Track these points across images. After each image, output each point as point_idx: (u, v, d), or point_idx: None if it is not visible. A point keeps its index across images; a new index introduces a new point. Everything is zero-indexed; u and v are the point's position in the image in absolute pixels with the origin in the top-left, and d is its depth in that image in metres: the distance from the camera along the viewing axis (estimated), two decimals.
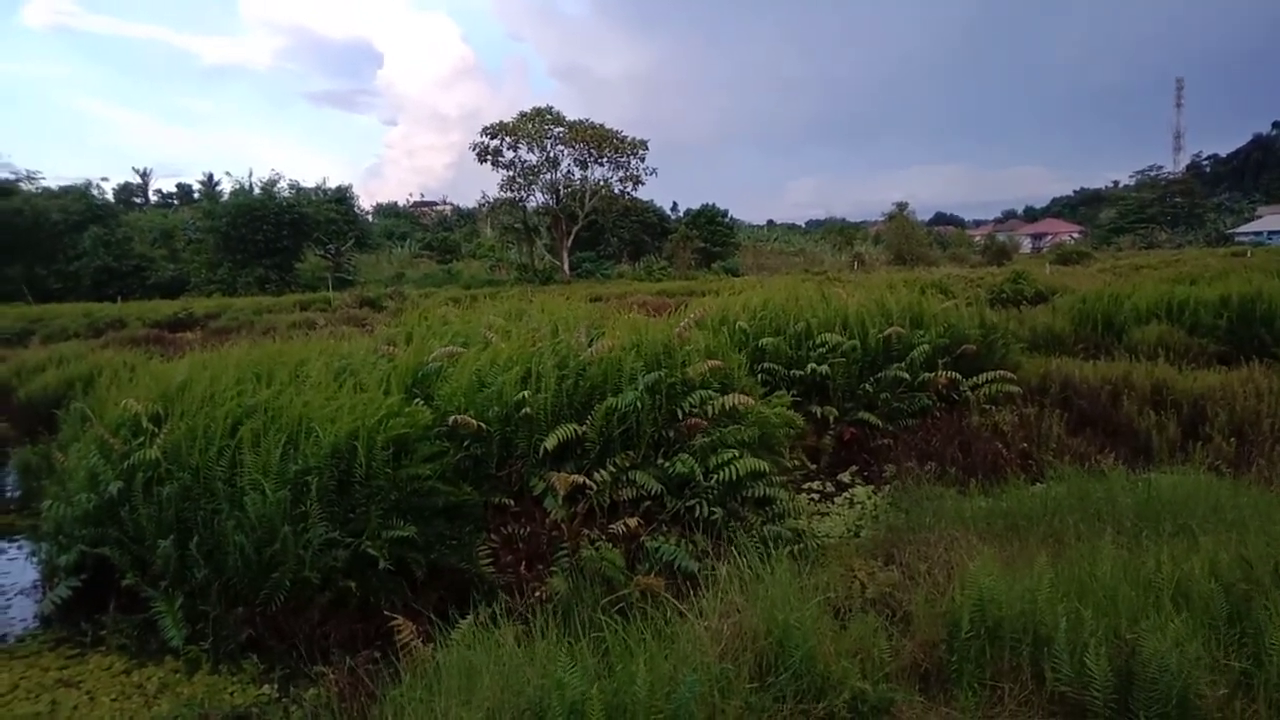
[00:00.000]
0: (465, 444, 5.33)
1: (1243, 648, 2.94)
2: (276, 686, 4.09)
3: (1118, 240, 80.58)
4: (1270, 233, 79.10)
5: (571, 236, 51.10)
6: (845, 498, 6.96)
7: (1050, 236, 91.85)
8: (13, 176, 48.87)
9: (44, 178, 51.58)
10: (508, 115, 50.32)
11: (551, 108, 49.72)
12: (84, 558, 4.82)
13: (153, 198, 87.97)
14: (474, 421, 5.16)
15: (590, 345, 5.98)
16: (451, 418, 5.19)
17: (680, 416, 5.55)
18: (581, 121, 49.95)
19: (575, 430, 5.28)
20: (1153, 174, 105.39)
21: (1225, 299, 12.05)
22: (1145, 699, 2.73)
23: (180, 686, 4.09)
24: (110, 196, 60.50)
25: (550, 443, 5.13)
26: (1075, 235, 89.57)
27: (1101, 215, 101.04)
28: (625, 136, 50.87)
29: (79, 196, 48.68)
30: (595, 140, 49.81)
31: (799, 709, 2.99)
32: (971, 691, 3.08)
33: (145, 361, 8.74)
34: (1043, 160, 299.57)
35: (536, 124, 49.27)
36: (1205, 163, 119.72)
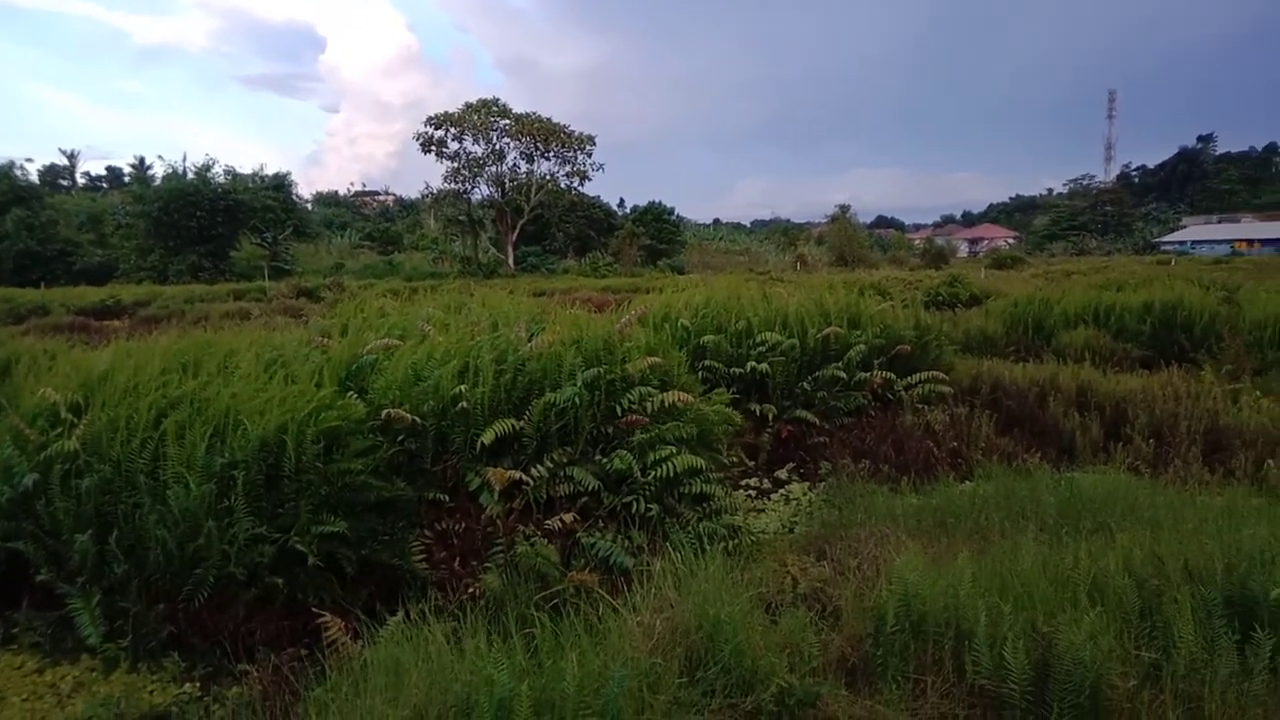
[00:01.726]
0: (399, 438, 5.25)
1: (1153, 641, 3.05)
2: (199, 685, 3.97)
3: (1050, 246, 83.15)
4: (1194, 242, 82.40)
5: (517, 230, 50.74)
6: (782, 494, 7.04)
7: (987, 241, 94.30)
8: None
9: None
10: (452, 106, 49.97)
11: (498, 99, 49.37)
12: None
13: (80, 180, 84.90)
14: (408, 415, 5.09)
15: (530, 340, 5.93)
16: (385, 411, 5.10)
17: (620, 413, 5.55)
18: (528, 114, 49.66)
19: (513, 425, 5.24)
20: (1085, 183, 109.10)
21: (1149, 305, 12.53)
22: (1060, 690, 2.82)
23: (97, 685, 3.95)
24: (35, 178, 58.04)
25: (487, 438, 5.08)
26: (1010, 241, 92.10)
27: (1036, 222, 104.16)
28: (573, 131, 50.73)
29: (1, 177, 46.62)
30: (542, 134, 49.58)
31: (727, 703, 3.02)
32: (896, 684, 3.14)
33: (66, 350, 8.37)
34: (981, 166, 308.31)
35: (482, 115, 48.82)
36: (1134, 173, 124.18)
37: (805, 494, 6.96)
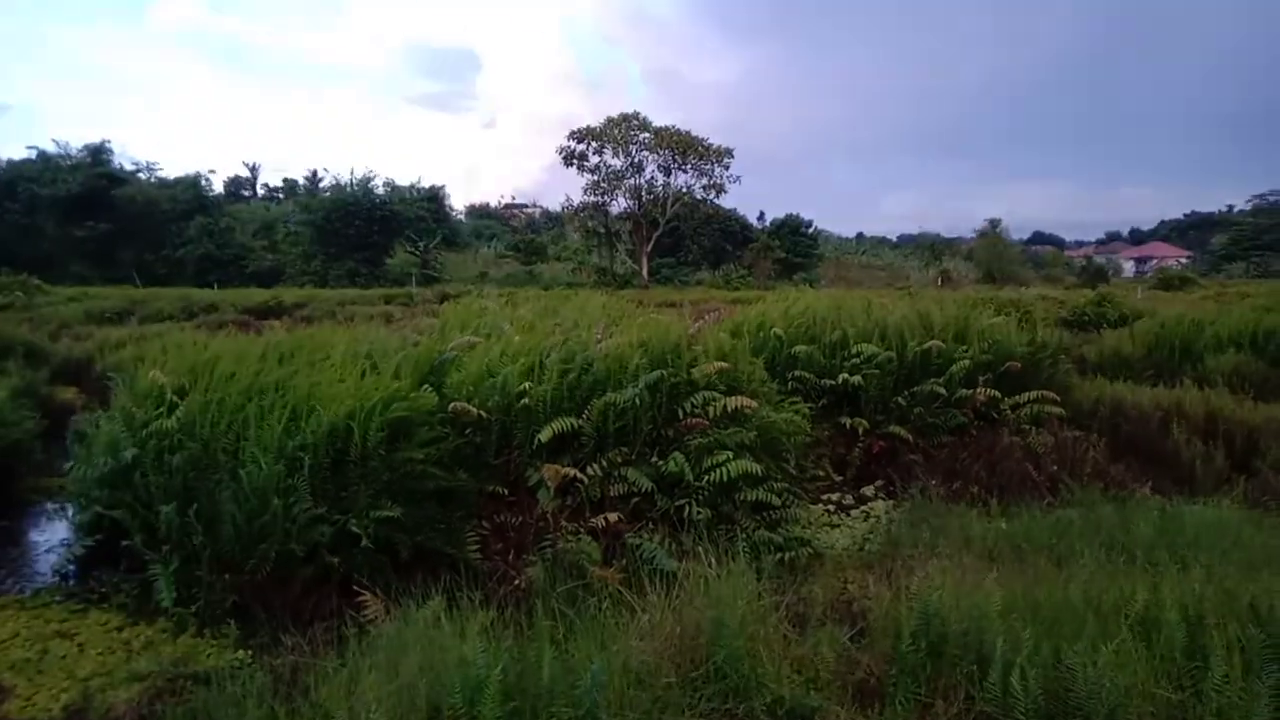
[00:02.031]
0: (466, 431, 5.43)
1: (1190, 682, 2.76)
2: (251, 652, 4.24)
3: (1228, 267, 76.33)
4: None
5: (652, 242, 51.31)
6: (863, 511, 6.80)
7: (1155, 260, 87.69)
8: (132, 167, 52.10)
9: (160, 168, 54.79)
10: (600, 120, 50.96)
11: (638, 113, 50.12)
12: (100, 519, 5.09)
13: (260, 191, 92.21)
14: (472, 409, 5.26)
15: (600, 342, 6.01)
16: (451, 405, 5.30)
17: (682, 416, 5.53)
18: (667, 128, 50.16)
19: (573, 424, 5.32)
20: (1272, 199, 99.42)
21: None
22: None
23: (164, 646, 4.28)
24: (219, 188, 63.79)
25: (545, 435, 5.18)
26: (1182, 260, 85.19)
27: (1213, 241, 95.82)
28: (710, 144, 50.86)
29: (188, 187, 51.42)
30: (680, 147, 49.96)
31: (719, 707, 2.95)
32: (903, 706, 2.98)
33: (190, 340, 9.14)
34: (1153, 180, 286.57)
35: (623, 129, 49.72)
36: None
37: (887, 512, 6.70)
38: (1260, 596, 3.12)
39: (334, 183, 51.45)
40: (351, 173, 51.47)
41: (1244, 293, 34.02)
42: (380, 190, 51.17)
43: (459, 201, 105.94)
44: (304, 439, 4.81)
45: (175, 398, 5.44)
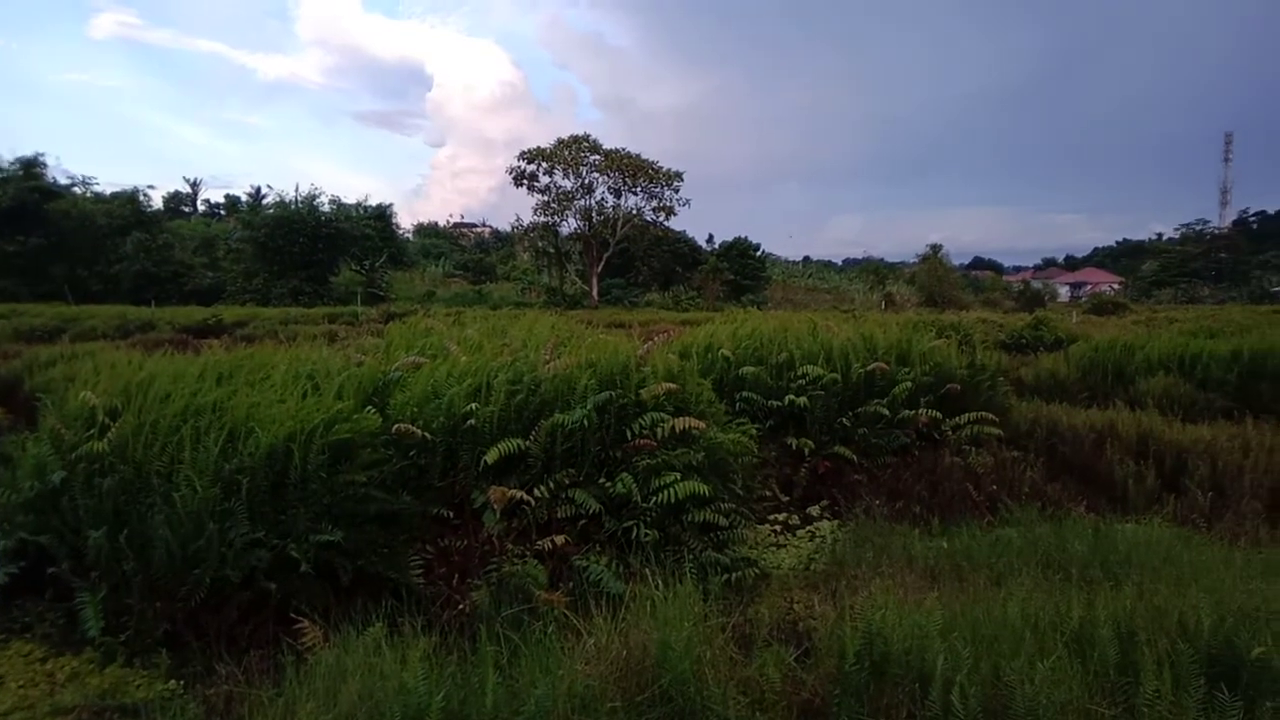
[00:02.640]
0: (411, 453, 5.35)
1: (1123, 697, 2.83)
2: (183, 683, 4.09)
3: (1158, 293, 79.42)
4: None
5: (602, 263, 51.48)
6: (808, 531, 6.85)
7: (1089, 286, 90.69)
8: (66, 181, 50.57)
9: (97, 183, 53.33)
10: (551, 142, 51.12)
11: (589, 135, 50.48)
12: (24, 545, 4.88)
13: (201, 207, 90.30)
14: (416, 430, 5.19)
15: (548, 362, 5.98)
16: (395, 426, 5.22)
17: (630, 437, 5.53)
18: (617, 150, 50.55)
19: (519, 445, 5.27)
20: (1198, 228, 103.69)
21: (1237, 353, 11.77)
22: None
23: (90, 677, 4.11)
24: (159, 204, 62.20)
25: (491, 456, 5.13)
26: (1115, 286, 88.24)
27: (1143, 267, 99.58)
28: (660, 167, 51.37)
29: (125, 202, 50.12)
30: (630, 169, 50.35)
31: None
32: None
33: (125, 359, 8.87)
34: (1087, 209, 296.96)
35: (573, 151, 49.96)
36: (1253, 219, 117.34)
37: (832, 531, 6.76)
38: (1188, 612, 3.22)
39: (278, 199, 50.59)
40: (296, 189, 50.66)
41: (1173, 317, 35.32)
42: (326, 207, 50.51)
43: (406, 220, 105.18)
44: (242, 461, 4.69)
45: (107, 419, 5.26)
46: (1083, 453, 7.86)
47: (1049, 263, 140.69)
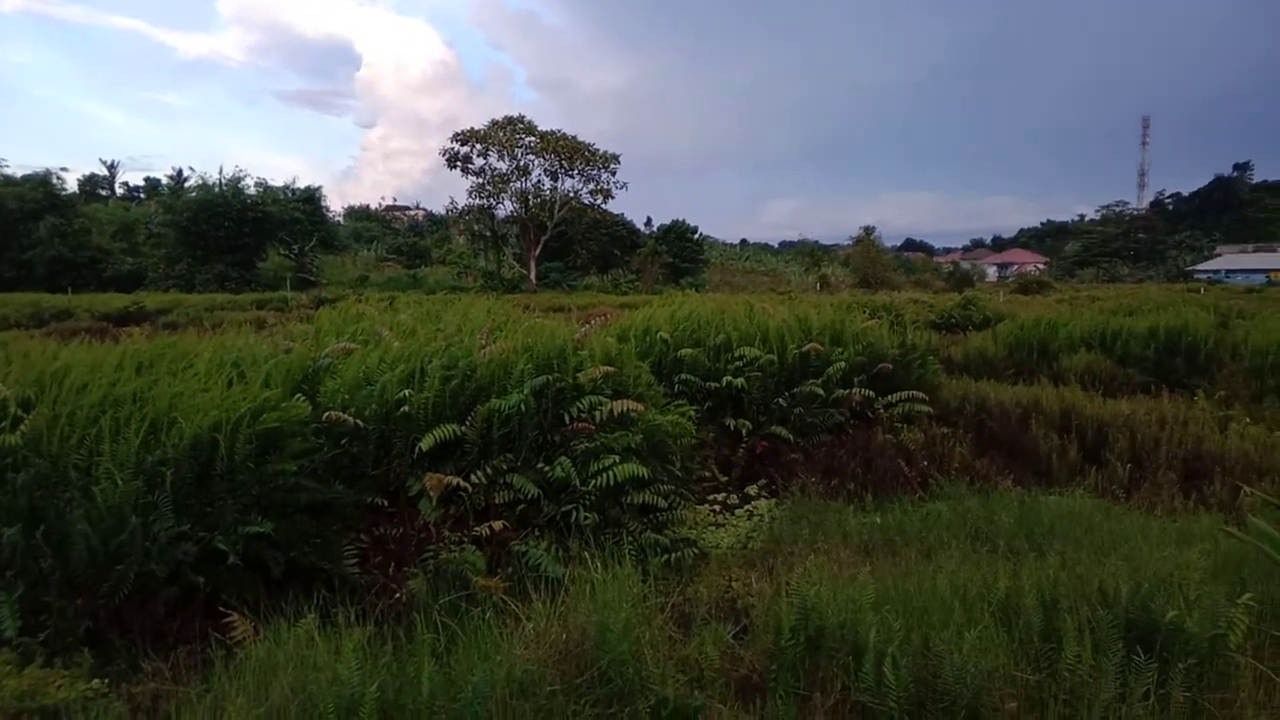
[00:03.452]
0: (343, 441, 5.23)
1: (1047, 663, 2.93)
2: (108, 681, 3.95)
3: (1081, 273, 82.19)
4: (1228, 271, 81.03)
5: (540, 246, 51.06)
6: (747, 510, 6.93)
7: (1016, 266, 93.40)
8: None
9: (7, 165, 50.75)
10: (485, 122, 50.36)
11: (523, 117, 49.89)
12: None
13: (119, 190, 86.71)
14: (348, 418, 5.07)
15: (484, 347, 5.91)
16: (325, 414, 5.10)
17: (568, 421, 5.50)
18: (553, 132, 50.06)
19: (455, 431, 5.20)
20: (1118, 209, 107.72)
21: (1154, 330, 12.27)
22: (937, 709, 2.71)
23: (7, 679, 3.92)
24: (74, 187, 59.44)
25: (426, 443, 5.04)
26: (1040, 266, 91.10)
27: (1067, 247, 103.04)
28: (597, 149, 51.05)
29: (37, 185, 47.77)
30: (566, 151, 49.95)
31: (604, 713, 2.94)
32: (783, 700, 3.04)
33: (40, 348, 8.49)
34: (1013, 191, 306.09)
35: (508, 132, 49.33)
36: (1169, 200, 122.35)
37: (770, 510, 6.84)
38: (1108, 580, 3.35)
39: (201, 182, 48.75)
40: (220, 171, 48.95)
41: (1094, 296, 36.65)
42: (252, 190, 48.95)
43: (337, 203, 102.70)
44: (165, 453, 4.52)
45: (20, 411, 5.02)
46: (1009, 428, 8.11)
47: (977, 244, 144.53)
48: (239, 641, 3.82)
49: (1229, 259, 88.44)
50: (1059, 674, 2.81)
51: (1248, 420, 7.95)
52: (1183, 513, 5.96)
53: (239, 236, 45.91)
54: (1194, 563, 3.47)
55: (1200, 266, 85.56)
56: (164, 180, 75.52)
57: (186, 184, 60.17)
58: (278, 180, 57.63)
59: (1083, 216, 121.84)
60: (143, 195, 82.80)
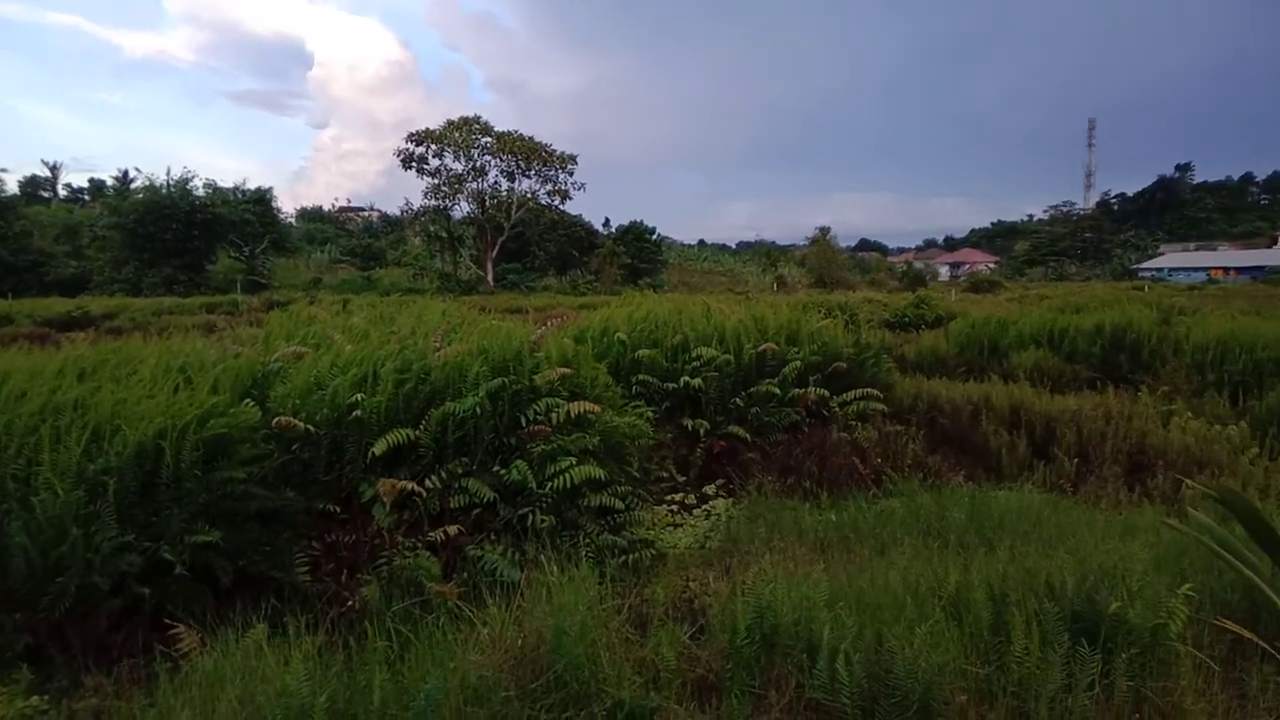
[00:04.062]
0: (293, 447, 5.14)
1: (996, 656, 2.98)
2: (48, 698, 3.83)
3: (1030, 271, 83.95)
4: (1171, 269, 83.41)
5: (496, 247, 50.76)
6: (704, 510, 6.95)
7: (967, 265, 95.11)
8: None
9: None
10: (440, 123, 49.91)
11: (479, 117, 49.57)
12: None
13: (62, 192, 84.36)
14: (299, 423, 4.99)
15: (439, 350, 5.85)
16: (275, 419, 5.00)
17: (524, 423, 5.47)
18: (509, 133, 49.84)
19: (409, 435, 5.14)
20: (1065, 209, 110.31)
21: (1100, 328, 12.58)
22: (889, 705, 2.74)
23: None
24: (14, 189, 57.61)
25: (379, 448, 4.98)
26: (991, 265, 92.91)
27: (1016, 247, 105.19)
28: (554, 150, 50.91)
29: None
30: (523, 152, 49.75)
31: (559, 717, 2.93)
32: (738, 699, 3.06)
33: None
34: (965, 192, 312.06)
35: (464, 133, 48.98)
36: (1114, 200, 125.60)
37: (727, 510, 6.88)
38: (1055, 573, 3.42)
39: (148, 183, 47.60)
40: (168, 173, 47.76)
41: (1043, 294, 37.46)
42: (200, 191, 47.94)
43: (289, 204, 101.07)
44: (108, 461, 4.39)
45: None
46: (961, 425, 8.25)
47: (930, 244, 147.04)
48: (185, 654, 3.73)
49: (1171, 257, 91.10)
50: (1008, 666, 2.86)
51: (1189, 414, 8.17)
52: (1127, 506, 6.12)
53: (188, 239, 44.96)
54: (1137, 555, 3.56)
55: (1144, 265, 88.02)
56: (109, 182, 73.69)
57: (133, 185, 58.69)
58: (227, 181, 56.57)
59: (1031, 217, 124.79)
60: (87, 197, 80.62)
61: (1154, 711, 2.80)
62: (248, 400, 5.40)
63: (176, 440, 4.55)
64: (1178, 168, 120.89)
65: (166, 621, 4.26)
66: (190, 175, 47.84)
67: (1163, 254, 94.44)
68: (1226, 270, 79.15)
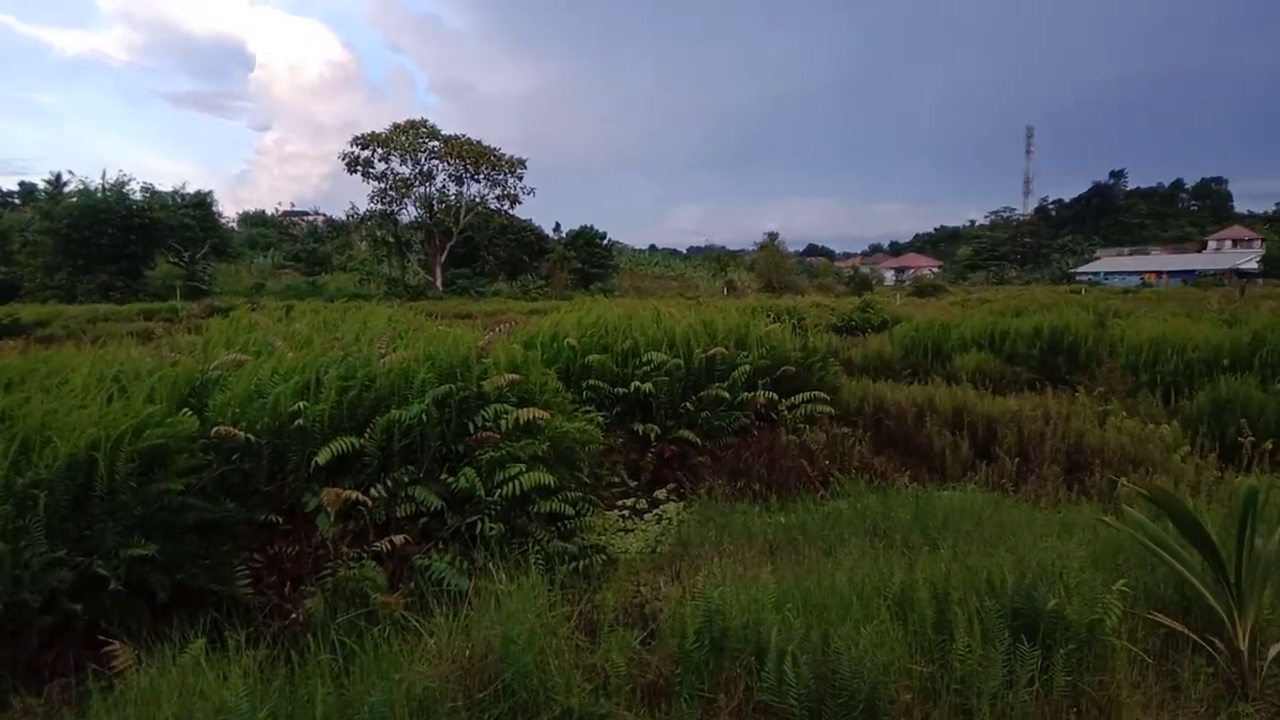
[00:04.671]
0: (234, 457, 5.02)
1: (940, 655, 3.03)
2: None
3: (972, 275, 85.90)
4: (1106, 273, 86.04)
5: (445, 252, 50.26)
6: (656, 514, 6.97)
7: (912, 270, 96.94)
8: None
9: None
10: (386, 126, 49.26)
11: (426, 120, 49.05)
12: None
13: None
14: (239, 433, 4.87)
15: (385, 356, 5.76)
16: (214, 429, 4.88)
17: (472, 430, 5.42)
18: (457, 136, 49.43)
19: (354, 443, 5.05)
20: (1005, 215, 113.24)
21: (1038, 330, 12.91)
22: (836, 705, 2.77)
23: None
24: None
25: (322, 457, 4.88)
26: (935, 270, 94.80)
27: (959, 252, 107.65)
28: (503, 154, 50.62)
29: None
30: (471, 156, 49.38)
31: None
32: (688, 703, 3.06)
33: None
34: (909, 198, 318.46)
35: (410, 136, 48.44)
36: (1051, 206, 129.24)
37: (678, 513, 6.90)
38: (995, 571, 3.49)
39: (82, 187, 46.09)
40: (104, 176, 46.31)
41: (985, 298, 38.32)
42: (137, 195, 46.58)
43: (230, 208, 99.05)
44: (38, 474, 4.24)
45: None
46: (906, 426, 8.39)
47: (876, 249, 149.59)
48: (120, 672, 3.60)
49: (1107, 261, 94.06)
50: (950, 664, 2.90)
51: (1124, 414, 8.42)
52: (1066, 504, 6.28)
53: (124, 244, 43.61)
54: (1074, 552, 3.65)
55: (1081, 269, 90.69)
56: (41, 185, 71.02)
57: (66, 189, 56.72)
58: (166, 185, 55.10)
59: (973, 222, 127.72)
60: (17, 201, 77.76)
61: (1091, 705, 2.88)
62: (186, 409, 5.27)
63: (110, 451, 4.42)
64: (1112, 174, 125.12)
65: (100, 638, 4.12)
66: (127, 178, 46.47)
67: (1099, 258, 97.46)
68: (1159, 274, 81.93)
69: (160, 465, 4.65)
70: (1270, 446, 7.21)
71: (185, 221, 49.19)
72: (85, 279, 42.40)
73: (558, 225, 69.48)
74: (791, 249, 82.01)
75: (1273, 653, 3.05)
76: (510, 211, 53.75)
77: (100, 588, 4.21)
